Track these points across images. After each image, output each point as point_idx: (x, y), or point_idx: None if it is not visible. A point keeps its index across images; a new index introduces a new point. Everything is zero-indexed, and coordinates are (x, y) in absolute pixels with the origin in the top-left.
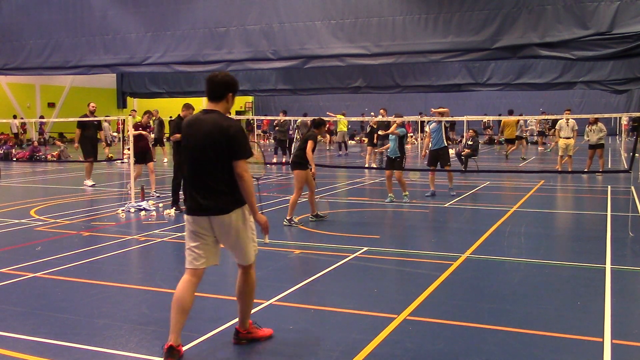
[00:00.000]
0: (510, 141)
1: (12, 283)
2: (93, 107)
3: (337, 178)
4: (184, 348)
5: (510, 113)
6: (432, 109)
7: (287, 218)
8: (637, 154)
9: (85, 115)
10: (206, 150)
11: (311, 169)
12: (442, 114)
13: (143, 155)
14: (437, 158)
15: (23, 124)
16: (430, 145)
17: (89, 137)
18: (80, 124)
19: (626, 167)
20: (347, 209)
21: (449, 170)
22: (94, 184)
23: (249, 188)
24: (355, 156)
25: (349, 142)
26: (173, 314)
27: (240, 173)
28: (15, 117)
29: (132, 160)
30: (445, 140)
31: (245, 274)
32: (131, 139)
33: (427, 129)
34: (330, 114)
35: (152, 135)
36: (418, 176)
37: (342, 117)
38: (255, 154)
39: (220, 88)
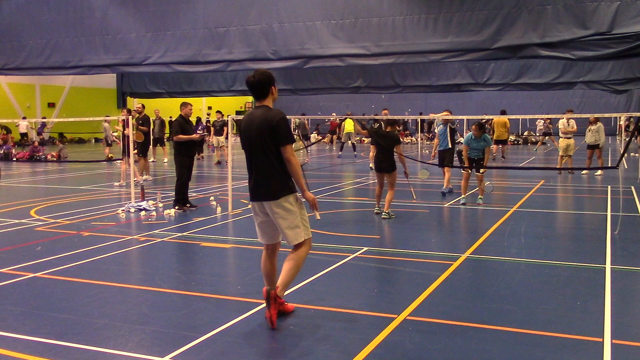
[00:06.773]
0: (501, 142)
1: (12, 283)
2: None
3: (338, 178)
4: (184, 348)
5: (503, 113)
6: (432, 114)
7: (386, 211)
8: (632, 154)
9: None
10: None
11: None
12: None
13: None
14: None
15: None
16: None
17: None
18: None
19: (626, 166)
20: (348, 209)
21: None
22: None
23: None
24: (356, 156)
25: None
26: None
27: (288, 157)
28: (24, 118)
29: (132, 160)
30: (450, 143)
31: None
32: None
33: (435, 130)
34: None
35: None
36: (427, 176)
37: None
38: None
39: (262, 85)
